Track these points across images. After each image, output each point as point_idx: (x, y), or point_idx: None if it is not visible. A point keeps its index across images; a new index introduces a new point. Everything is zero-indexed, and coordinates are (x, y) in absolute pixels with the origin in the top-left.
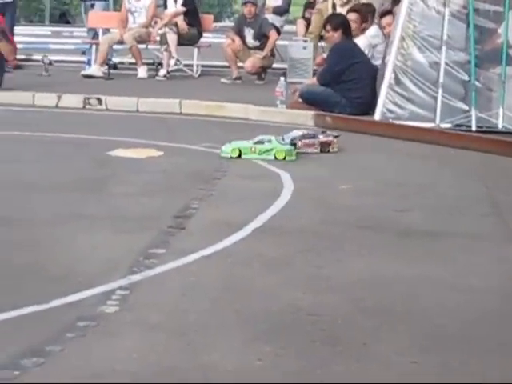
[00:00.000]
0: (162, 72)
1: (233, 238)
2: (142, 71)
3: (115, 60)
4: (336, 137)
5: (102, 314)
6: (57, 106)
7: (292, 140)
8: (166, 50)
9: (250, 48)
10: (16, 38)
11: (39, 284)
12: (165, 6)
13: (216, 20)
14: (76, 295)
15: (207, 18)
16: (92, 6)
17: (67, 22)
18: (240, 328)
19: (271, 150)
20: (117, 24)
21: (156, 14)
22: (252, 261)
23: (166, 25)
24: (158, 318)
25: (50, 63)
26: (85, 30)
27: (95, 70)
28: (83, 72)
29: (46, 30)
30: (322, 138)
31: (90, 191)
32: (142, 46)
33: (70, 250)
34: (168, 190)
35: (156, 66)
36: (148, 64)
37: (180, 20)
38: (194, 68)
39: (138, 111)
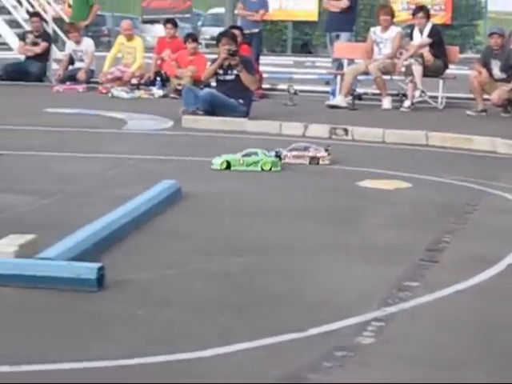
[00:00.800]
0: (407, 103)
1: (487, 273)
2: (387, 102)
3: (359, 90)
4: (327, 150)
5: (358, 345)
6: (303, 136)
7: (277, 152)
8: (411, 81)
9: (496, 80)
10: (260, 68)
11: (296, 311)
12: (410, 37)
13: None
14: (332, 325)
15: (453, 50)
16: (337, 36)
17: (309, 52)
18: (498, 365)
19: (258, 161)
20: (362, 55)
21: (401, 45)
22: (508, 297)
23: (411, 56)
24: (414, 351)
25: (295, 93)
26: (326, 60)
27: (340, 100)
28: (328, 102)
29: (289, 59)
30: (312, 151)
31: (341, 221)
32: (386, 77)
33: (324, 279)
34: (418, 222)
35: (400, 97)
36: (392, 95)
37: (426, 51)
38: (439, 100)
39: (384, 142)
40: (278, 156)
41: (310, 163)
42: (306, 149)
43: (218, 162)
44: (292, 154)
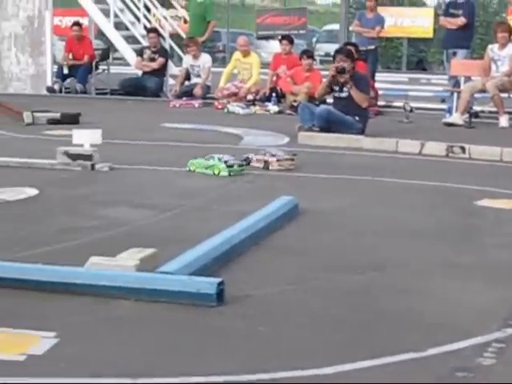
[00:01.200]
0: None
1: None
2: (504, 120)
3: (476, 108)
4: (273, 155)
5: (479, 366)
6: (420, 153)
7: (228, 160)
8: None
9: None
10: (376, 85)
11: (415, 331)
12: None
13: None
14: (451, 345)
15: None
16: (454, 53)
17: (424, 69)
18: None
19: (212, 166)
20: (479, 72)
21: None
22: None
23: None
24: None
25: (411, 110)
26: (442, 77)
27: (456, 118)
28: (444, 120)
29: (404, 76)
30: (267, 156)
31: (460, 240)
32: (504, 95)
33: (442, 298)
34: None
35: None
36: (510, 113)
37: None
38: None
39: (501, 160)
40: (225, 162)
41: (263, 167)
42: (265, 154)
43: (188, 164)
44: (256, 158)
